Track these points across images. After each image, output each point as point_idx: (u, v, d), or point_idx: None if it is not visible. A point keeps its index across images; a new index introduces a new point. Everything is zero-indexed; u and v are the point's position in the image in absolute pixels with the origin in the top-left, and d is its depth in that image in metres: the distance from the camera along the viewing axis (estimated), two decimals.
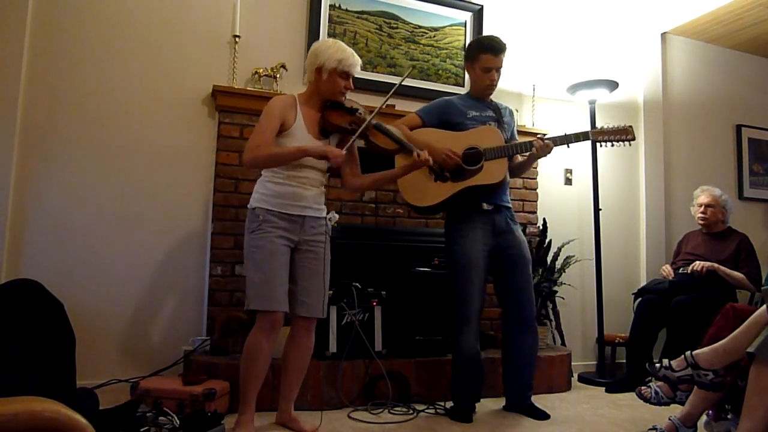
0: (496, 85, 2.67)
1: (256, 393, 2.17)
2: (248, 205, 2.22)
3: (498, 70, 2.63)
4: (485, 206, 2.58)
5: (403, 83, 2.30)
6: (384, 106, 2.32)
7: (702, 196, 3.43)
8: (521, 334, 2.63)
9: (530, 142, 2.57)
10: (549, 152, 2.57)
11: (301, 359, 2.28)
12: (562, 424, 2.48)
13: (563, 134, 2.60)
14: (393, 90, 2.31)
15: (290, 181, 2.19)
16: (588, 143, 3.66)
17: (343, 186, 2.43)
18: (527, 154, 2.61)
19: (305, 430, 2.22)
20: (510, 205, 2.69)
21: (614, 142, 2.61)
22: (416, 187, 2.60)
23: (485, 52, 2.60)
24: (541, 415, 2.55)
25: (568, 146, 2.63)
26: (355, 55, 2.24)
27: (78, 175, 2.81)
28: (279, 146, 2.16)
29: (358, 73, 2.29)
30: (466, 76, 3.60)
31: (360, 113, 2.27)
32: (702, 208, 3.40)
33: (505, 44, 2.63)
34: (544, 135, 2.65)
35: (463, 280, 2.55)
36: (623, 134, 2.60)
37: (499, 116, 2.68)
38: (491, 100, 2.73)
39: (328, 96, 2.25)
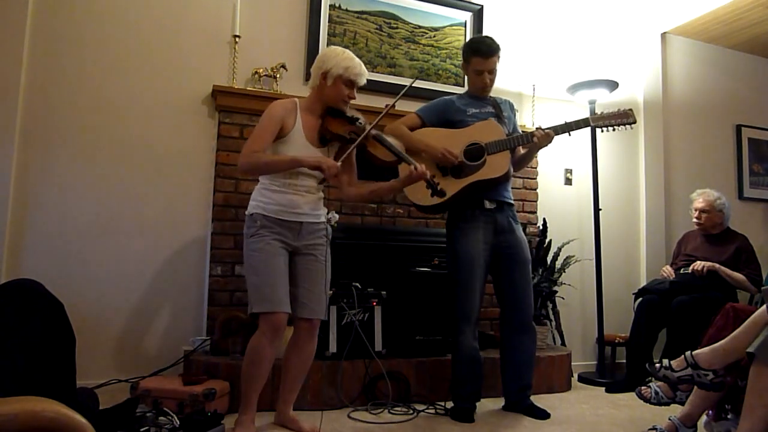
0: (490, 86, 2.67)
1: (257, 394, 2.17)
2: (246, 212, 2.21)
3: (490, 72, 2.62)
4: (488, 204, 2.58)
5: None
6: (383, 117, 2.28)
7: (698, 201, 3.40)
8: (519, 335, 2.63)
9: (531, 133, 2.57)
10: (550, 141, 2.57)
11: (302, 364, 2.27)
12: (562, 424, 2.48)
13: (563, 123, 2.61)
14: (391, 105, 2.28)
15: (287, 189, 2.18)
16: (589, 141, 3.67)
17: (341, 194, 2.38)
18: (529, 145, 2.61)
19: (304, 430, 2.22)
20: (512, 202, 2.69)
21: (615, 127, 2.62)
22: (420, 185, 2.59)
23: (475, 55, 2.60)
24: (541, 415, 2.55)
25: (570, 134, 2.63)
26: (363, 66, 2.22)
27: (78, 175, 2.81)
28: (274, 154, 2.14)
29: (363, 84, 2.26)
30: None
31: (360, 123, 2.24)
32: (697, 213, 3.39)
33: (497, 46, 2.61)
34: (540, 126, 2.66)
35: (465, 280, 2.55)
36: (623, 118, 2.60)
37: (499, 111, 2.68)
38: (490, 97, 2.73)
39: (331, 103, 2.23)
